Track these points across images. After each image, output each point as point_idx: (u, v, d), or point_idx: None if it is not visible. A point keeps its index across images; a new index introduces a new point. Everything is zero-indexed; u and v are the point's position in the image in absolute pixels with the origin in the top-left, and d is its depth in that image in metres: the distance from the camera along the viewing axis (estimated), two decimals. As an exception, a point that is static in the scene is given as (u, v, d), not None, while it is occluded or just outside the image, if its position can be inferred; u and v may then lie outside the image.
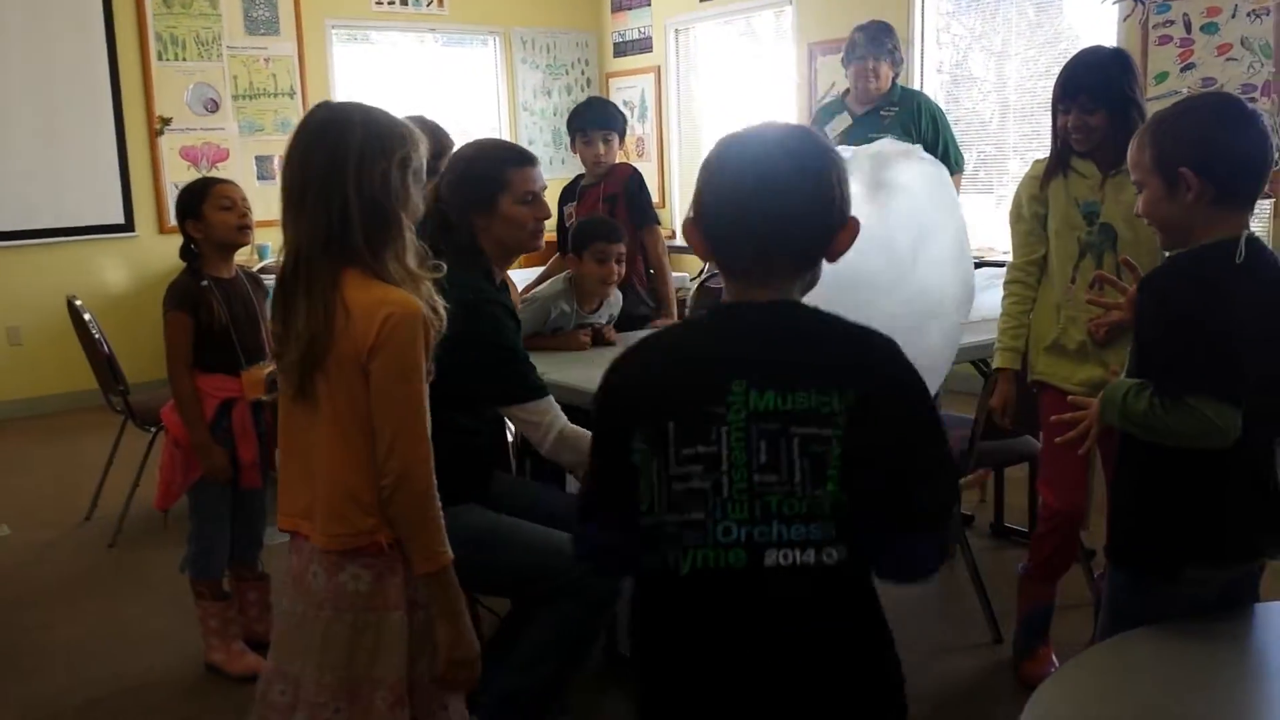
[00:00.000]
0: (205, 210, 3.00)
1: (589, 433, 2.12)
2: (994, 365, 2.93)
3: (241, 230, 3.04)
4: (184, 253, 3.04)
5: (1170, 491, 1.84)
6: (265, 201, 7.49)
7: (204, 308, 2.96)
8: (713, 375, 1.41)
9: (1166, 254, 2.02)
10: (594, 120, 4.11)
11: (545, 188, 2.53)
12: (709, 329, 1.53)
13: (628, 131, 4.33)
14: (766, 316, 1.45)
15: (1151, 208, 1.87)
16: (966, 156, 5.90)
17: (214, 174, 6.77)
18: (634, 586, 1.52)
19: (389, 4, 7.46)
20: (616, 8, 8.22)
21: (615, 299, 3.58)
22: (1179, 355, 1.77)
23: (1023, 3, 5.91)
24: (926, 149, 4.49)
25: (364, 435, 1.74)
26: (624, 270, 3.50)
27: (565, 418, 2.40)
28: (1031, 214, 2.88)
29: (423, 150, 1.81)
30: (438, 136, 3.28)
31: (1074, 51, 2.81)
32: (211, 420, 3.00)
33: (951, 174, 4.61)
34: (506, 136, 7.92)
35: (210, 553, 3.08)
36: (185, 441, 3.01)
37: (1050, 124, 2.78)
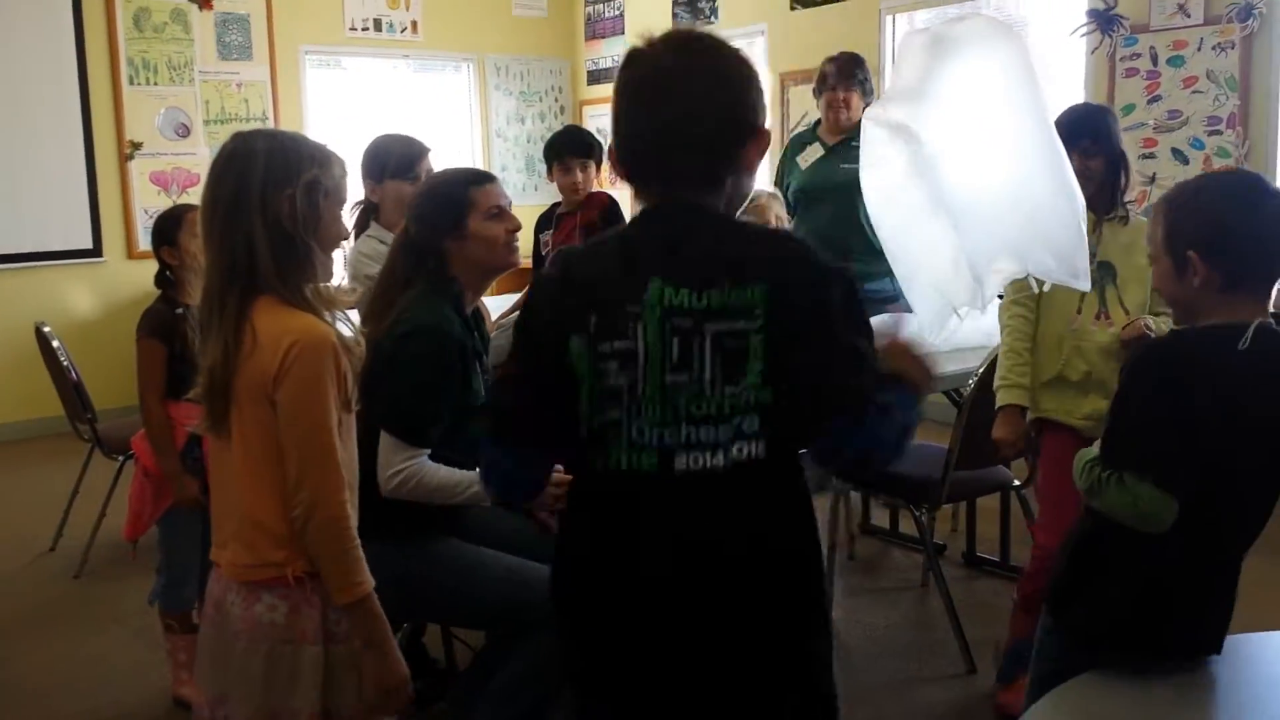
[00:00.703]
0: (181, 238, 2.98)
1: (447, 475, 2.16)
2: (1000, 402, 2.89)
3: None
4: (159, 280, 3.02)
5: (1113, 567, 1.79)
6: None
7: (178, 336, 2.93)
8: (632, 273, 1.43)
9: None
10: (572, 148, 4.12)
11: (510, 203, 2.53)
12: (627, 234, 1.55)
13: (603, 159, 4.34)
14: (682, 217, 1.46)
15: (1161, 284, 1.84)
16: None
17: (184, 200, 6.73)
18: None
19: (363, 30, 7.46)
20: (590, 36, 8.26)
21: None
22: (1133, 430, 1.74)
23: (992, 35, 5.99)
24: (898, 179, 4.56)
25: (274, 466, 1.71)
26: None
27: (430, 474, 2.30)
28: None
29: (335, 170, 1.77)
30: (410, 146, 3.27)
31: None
32: (182, 449, 2.96)
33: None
34: (480, 162, 7.93)
35: (182, 584, 3.04)
36: (156, 471, 2.98)
37: None
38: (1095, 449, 1.80)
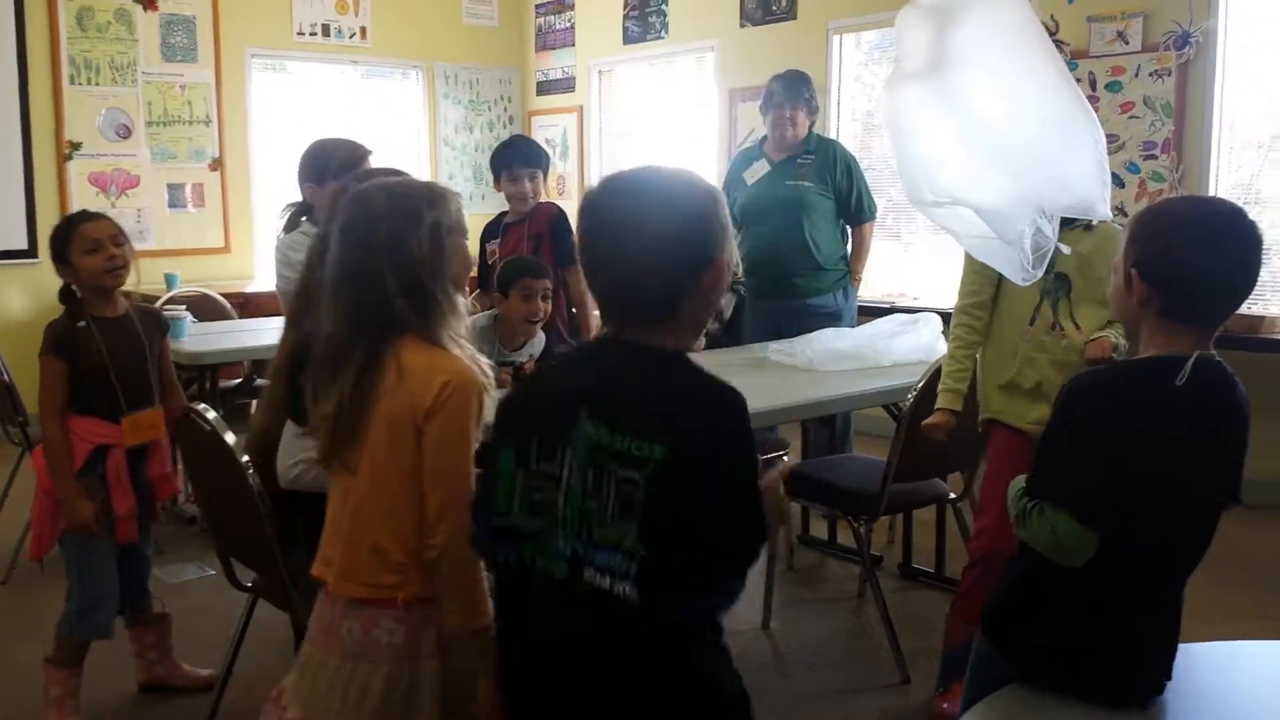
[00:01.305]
0: (70, 255, 2.80)
1: None
2: (938, 405, 2.94)
3: (111, 273, 2.82)
4: (63, 294, 2.85)
5: (1055, 604, 1.78)
6: (176, 229, 7.31)
7: (80, 351, 2.79)
8: (566, 404, 1.54)
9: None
10: (521, 158, 4.13)
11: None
12: (573, 362, 1.70)
13: (550, 170, 4.36)
14: (618, 356, 1.57)
15: (1111, 296, 1.85)
16: (878, 202, 6.03)
17: (123, 202, 6.64)
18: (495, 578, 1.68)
19: (311, 35, 7.41)
20: (540, 47, 8.27)
21: (538, 340, 3.57)
22: (1057, 462, 1.75)
23: (936, 56, 6.09)
24: (841, 197, 4.64)
25: (404, 494, 1.77)
26: (549, 308, 3.50)
27: None
28: None
29: (452, 206, 1.86)
30: (354, 150, 3.24)
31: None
32: (84, 466, 2.82)
33: (863, 221, 4.75)
34: (427, 170, 7.90)
35: (96, 608, 2.88)
36: (50, 490, 2.83)
37: None
38: (1020, 480, 1.81)
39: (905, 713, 3.06)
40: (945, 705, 2.91)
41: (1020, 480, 1.82)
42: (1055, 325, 2.82)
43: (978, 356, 2.96)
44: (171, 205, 6.79)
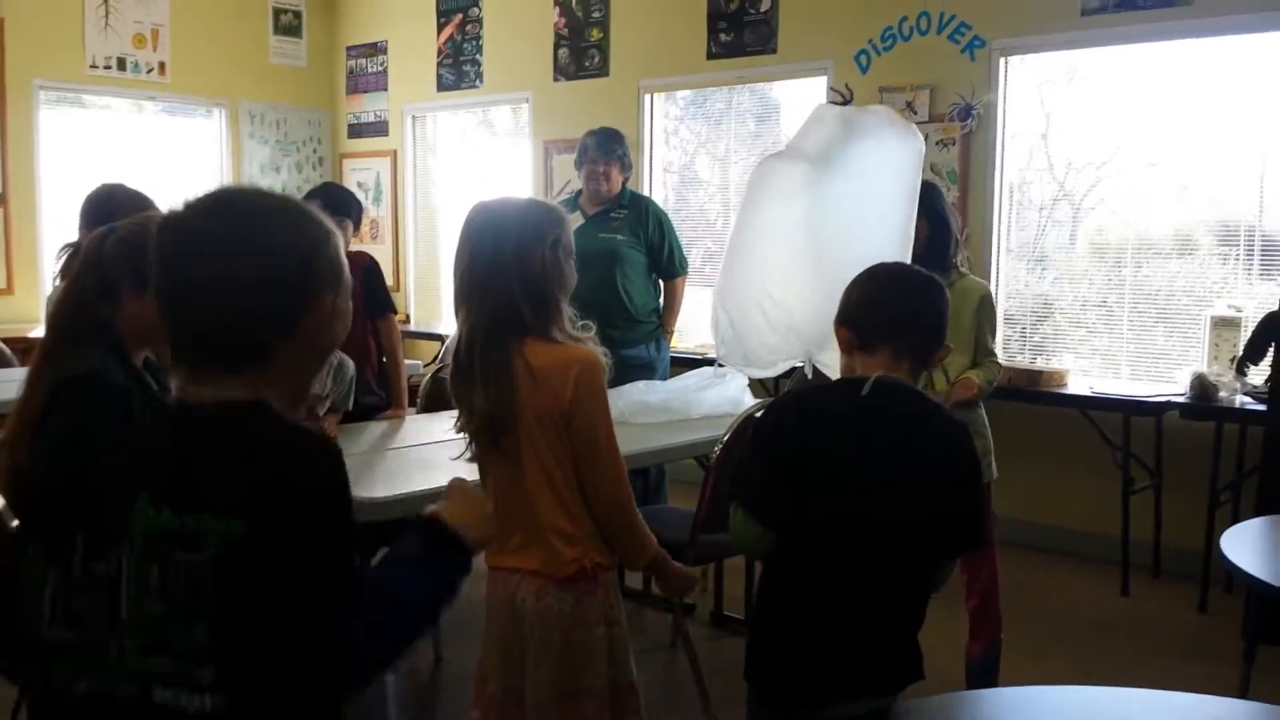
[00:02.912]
0: None
1: None
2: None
3: None
4: None
5: (780, 630, 1.97)
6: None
7: None
8: (121, 487, 1.26)
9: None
10: (331, 206, 4.04)
11: None
12: (132, 437, 1.42)
13: (360, 218, 4.29)
14: (195, 420, 1.29)
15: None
16: (692, 254, 6.21)
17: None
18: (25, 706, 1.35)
19: (106, 68, 7.09)
20: (352, 90, 8.16)
21: (346, 367, 3.46)
22: (741, 466, 2.02)
23: (744, 114, 6.35)
24: (653, 251, 4.76)
25: (565, 478, 2.05)
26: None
27: None
28: None
29: (570, 227, 2.11)
30: (140, 201, 3.13)
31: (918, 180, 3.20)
32: None
33: (675, 276, 4.89)
34: (231, 212, 7.64)
35: None
36: None
37: None
38: None
39: (715, 760, 3.12)
40: None
41: None
42: (926, 379, 3.03)
43: None
44: (-53, 242, 6.35)
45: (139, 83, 7.26)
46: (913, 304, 2.03)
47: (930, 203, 3.21)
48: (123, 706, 1.24)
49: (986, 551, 3.23)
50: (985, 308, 3.25)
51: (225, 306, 1.28)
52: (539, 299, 2.03)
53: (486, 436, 2.07)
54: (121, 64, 7.16)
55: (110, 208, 3.06)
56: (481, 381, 2.01)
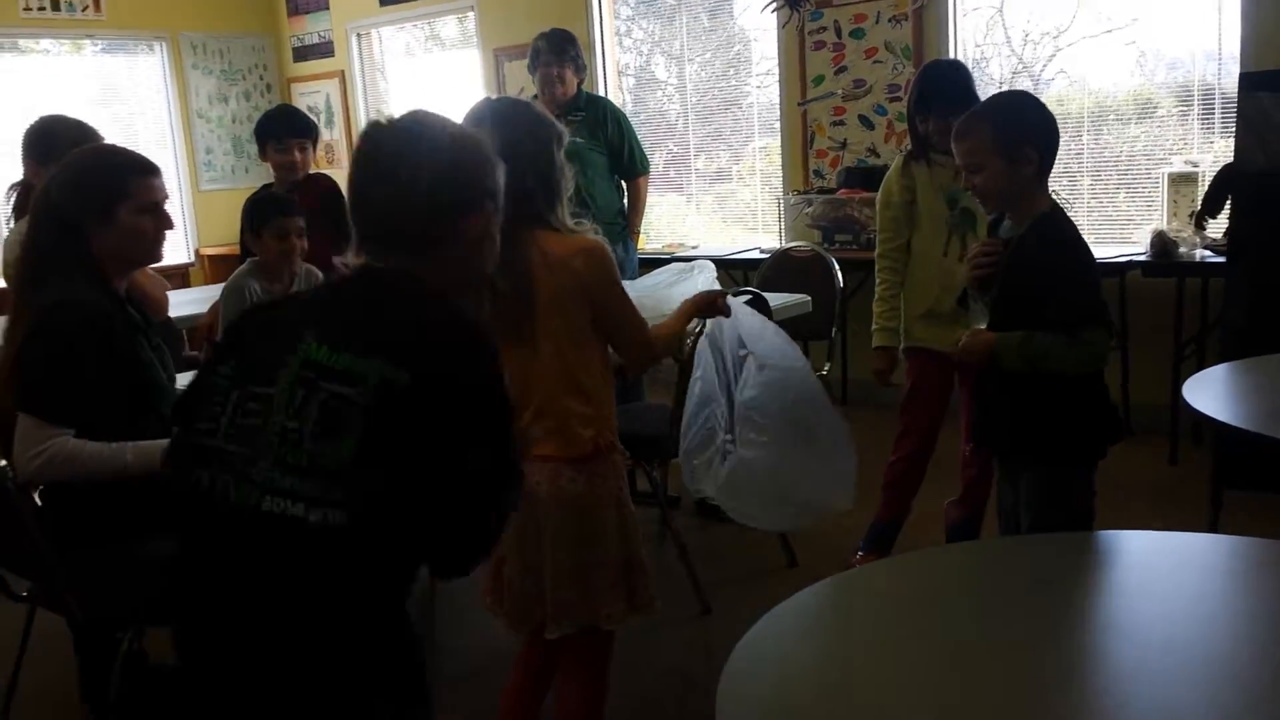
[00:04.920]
0: None
1: (97, 447, 2.17)
2: (875, 344, 3.36)
3: None
4: None
5: (1069, 400, 2.22)
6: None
7: None
8: (293, 326, 1.52)
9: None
10: (288, 128, 4.01)
11: (168, 198, 2.45)
12: (314, 290, 1.78)
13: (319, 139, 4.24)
14: (361, 282, 1.60)
15: (993, 183, 2.22)
16: (655, 156, 6.17)
17: None
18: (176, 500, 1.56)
19: (39, 10, 6.89)
20: (293, 11, 7.97)
21: (309, 274, 3.49)
22: (1072, 297, 2.15)
23: (696, 9, 6.23)
24: (613, 152, 4.72)
25: (580, 358, 2.15)
26: (306, 244, 3.42)
27: (77, 447, 2.19)
28: (901, 200, 3.29)
29: (564, 134, 2.22)
30: (82, 130, 3.12)
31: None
32: None
33: (637, 175, 4.85)
34: (181, 146, 7.54)
35: None
36: None
37: (909, 128, 3.32)
38: (1011, 338, 2.23)
39: (709, 640, 3.22)
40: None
41: (1010, 336, 2.21)
42: (963, 255, 3.05)
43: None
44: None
45: (74, 23, 7.07)
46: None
47: (963, 90, 3.18)
48: (242, 510, 1.44)
49: None
50: None
51: (411, 198, 1.56)
52: (547, 186, 2.13)
53: (506, 321, 2.08)
54: (55, 4, 6.97)
55: (51, 140, 3.03)
56: (510, 261, 2.03)
